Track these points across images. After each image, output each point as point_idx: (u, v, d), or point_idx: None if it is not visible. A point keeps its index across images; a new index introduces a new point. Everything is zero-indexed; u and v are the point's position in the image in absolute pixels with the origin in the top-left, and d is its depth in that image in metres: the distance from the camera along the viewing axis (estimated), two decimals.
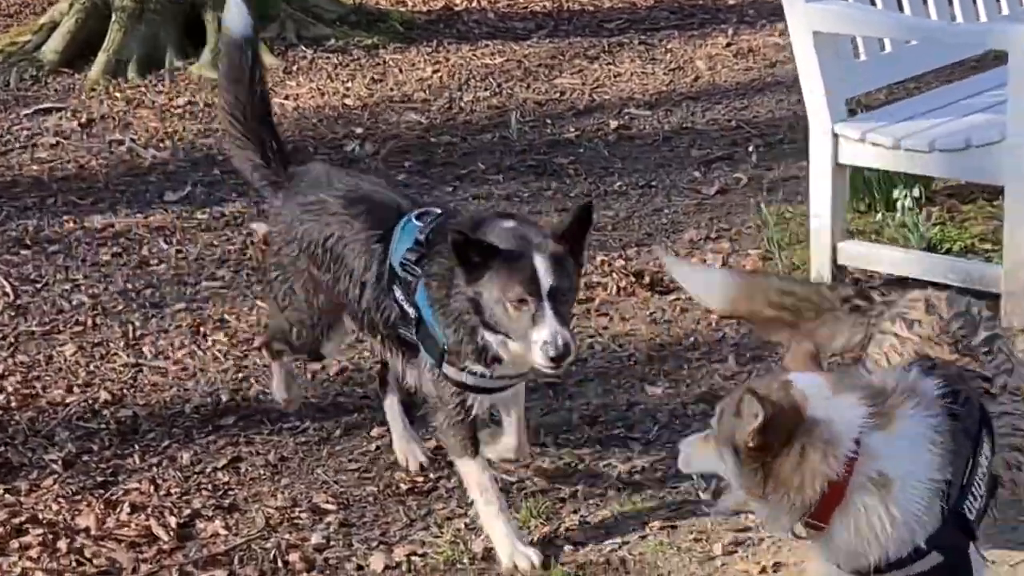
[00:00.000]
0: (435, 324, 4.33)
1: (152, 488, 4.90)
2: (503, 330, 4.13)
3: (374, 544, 4.59)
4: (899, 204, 6.37)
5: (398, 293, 4.42)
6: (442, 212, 4.53)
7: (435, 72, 8.93)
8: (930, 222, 6.34)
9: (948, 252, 6.15)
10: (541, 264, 4.05)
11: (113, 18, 9.22)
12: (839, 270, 6.03)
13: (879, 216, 6.48)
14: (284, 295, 4.91)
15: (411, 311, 4.40)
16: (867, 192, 6.53)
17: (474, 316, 4.19)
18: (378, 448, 5.11)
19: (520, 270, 4.06)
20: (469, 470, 4.44)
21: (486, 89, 8.61)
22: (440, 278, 4.31)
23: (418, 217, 4.45)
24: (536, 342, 4.01)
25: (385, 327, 4.57)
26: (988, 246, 6.14)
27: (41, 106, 8.57)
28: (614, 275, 6.14)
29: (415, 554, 4.52)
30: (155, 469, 5.01)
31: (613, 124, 8.01)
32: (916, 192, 6.39)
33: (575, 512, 4.70)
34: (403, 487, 4.87)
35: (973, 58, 6.57)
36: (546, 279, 4.03)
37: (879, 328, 3.91)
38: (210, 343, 5.85)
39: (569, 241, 4.18)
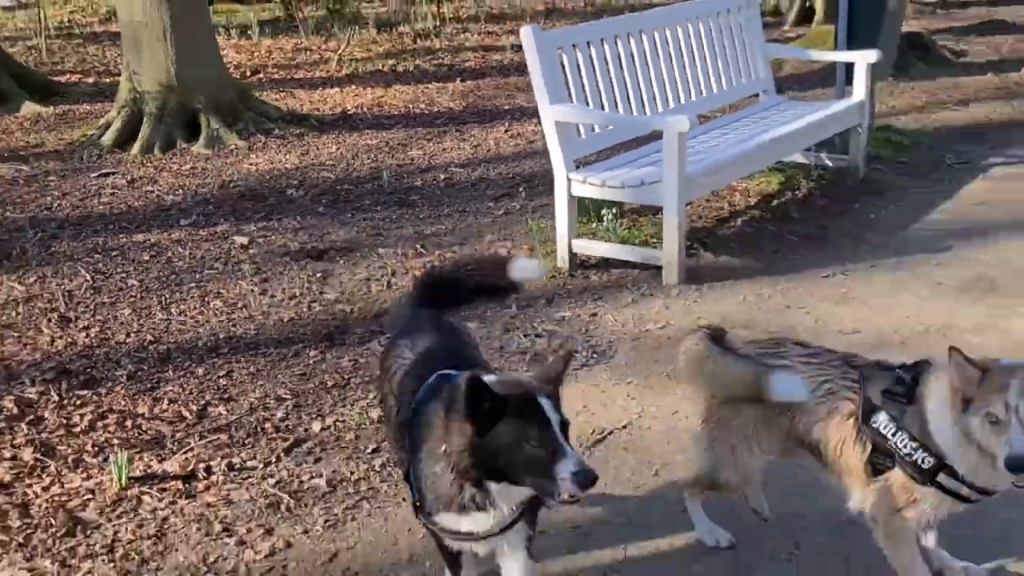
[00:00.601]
0: (416, 475, 2.88)
1: (180, 389, 4.82)
2: (522, 472, 2.64)
3: (314, 416, 4.56)
4: (605, 217, 6.50)
5: (406, 437, 2.98)
6: (444, 376, 2.94)
7: (338, 148, 8.80)
8: (623, 227, 6.45)
9: (634, 244, 6.26)
10: (546, 404, 2.64)
11: (145, 120, 8.92)
12: (572, 256, 6.12)
13: (595, 224, 6.56)
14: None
15: (408, 456, 2.96)
16: (587, 211, 6.60)
17: (474, 469, 2.69)
18: (314, 362, 5.05)
19: (531, 413, 2.63)
20: None
21: (368, 158, 8.51)
22: (424, 436, 2.85)
23: (435, 379, 2.96)
24: (563, 476, 2.58)
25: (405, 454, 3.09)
26: (655, 240, 6.25)
27: (103, 171, 8.24)
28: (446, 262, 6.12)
29: (338, 421, 4.52)
30: (182, 378, 4.93)
31: (442, 177, 7.97)
32: (615, 211, 6.55)
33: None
34: (330, 384, 4.84)
35: (645, 135, 6.71)
36: (554, 416, 2.63)
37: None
38: (211, 306, 5.72)
39: (555, 382, 2.79)
